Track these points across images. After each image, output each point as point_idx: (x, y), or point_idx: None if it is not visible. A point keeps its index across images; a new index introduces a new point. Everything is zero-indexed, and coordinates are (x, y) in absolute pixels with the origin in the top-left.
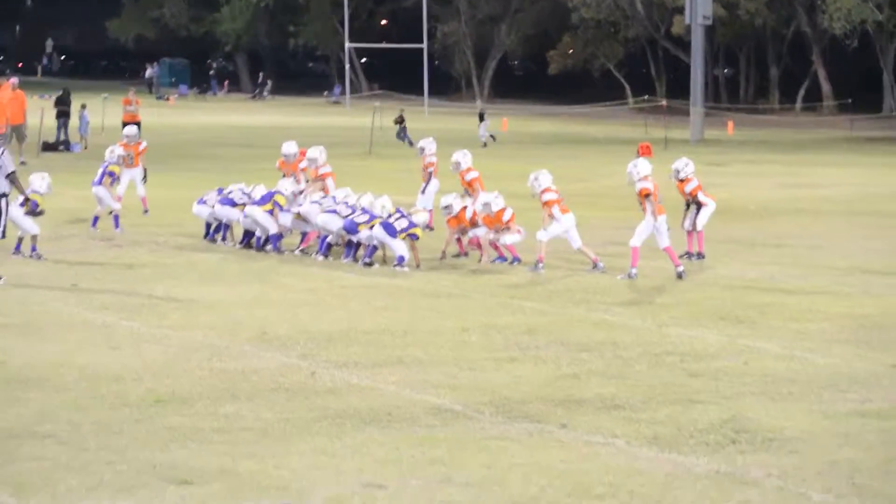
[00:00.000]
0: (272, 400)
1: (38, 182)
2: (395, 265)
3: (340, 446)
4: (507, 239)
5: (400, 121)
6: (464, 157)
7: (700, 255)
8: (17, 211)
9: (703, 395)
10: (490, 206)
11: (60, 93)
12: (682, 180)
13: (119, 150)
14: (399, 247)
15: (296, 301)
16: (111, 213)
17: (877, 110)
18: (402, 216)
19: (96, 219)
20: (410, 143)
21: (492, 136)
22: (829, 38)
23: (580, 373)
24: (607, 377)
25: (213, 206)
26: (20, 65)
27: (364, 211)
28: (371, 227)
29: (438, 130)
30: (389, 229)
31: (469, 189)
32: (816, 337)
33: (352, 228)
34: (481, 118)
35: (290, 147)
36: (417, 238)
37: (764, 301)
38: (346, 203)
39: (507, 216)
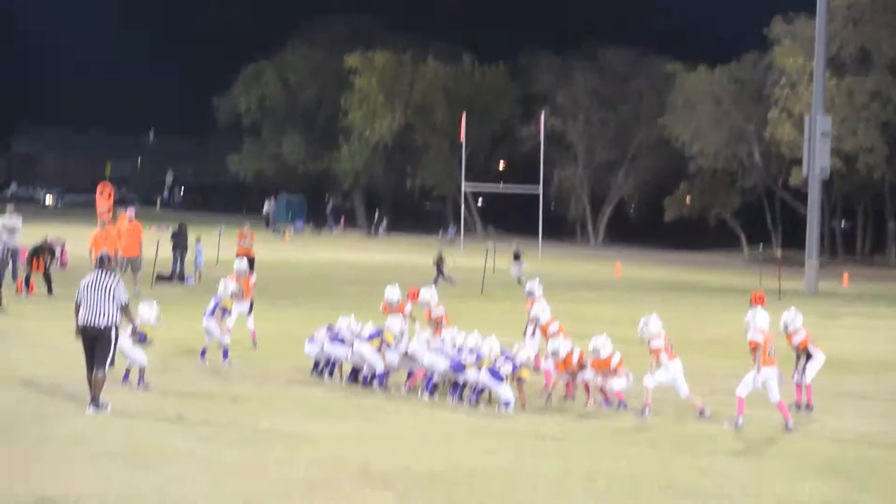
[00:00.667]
0: None
1: (146, 312)
2: (499, 408)
3: None
4: (615, 384)
5: (439, 261)
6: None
7: (808, 407)
8: (126, 341)
9: None
10: (599, 350)
11: (177, 226)
12: (790, 333)
13: (232, 285)
14: (505, 392)
15: (399, 439)
16: (221, 346)
17: None
18: (507, 359)
19: (205, 351)
20: (452, 282)
21: (518, 279)
22: None
23: None
24: None
25: (323, 345)
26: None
27: (471, 351)
28: (479, 368)
29: (550, 273)
30: (496, 375)
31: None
32: None
33: (459, 368)
34: (516, 257)
35: (392, 293)
36: (524, 381)
37: (873, 455)
38: (454, 343)
39: (615, 361)
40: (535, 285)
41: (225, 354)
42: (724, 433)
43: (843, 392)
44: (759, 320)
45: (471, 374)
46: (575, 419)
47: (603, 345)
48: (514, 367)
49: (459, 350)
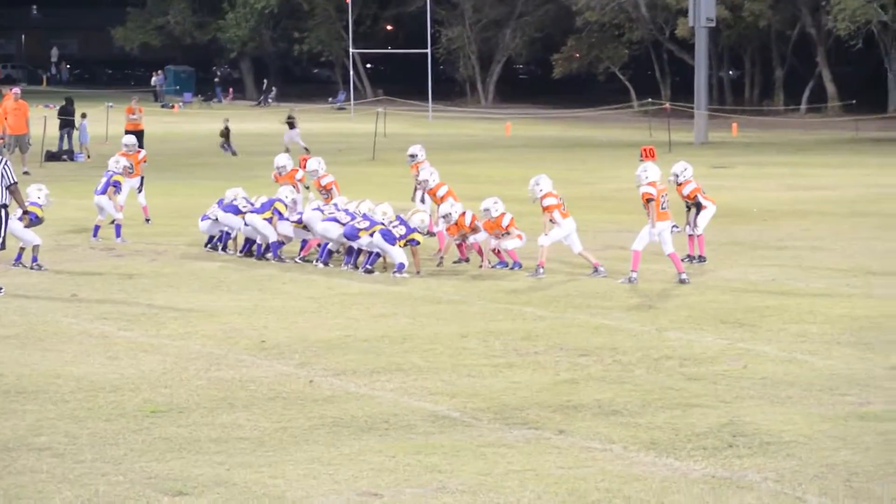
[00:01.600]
0: (269, 409)
1: (35, 194)
2: (394, 272)
3: (337, 455)
4: (508, 244)
5: (225, 133)
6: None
7: (701, 258)
8: (16, 223)
9: (702, 400)
10: (490, 212)
11: (63, 102)
12: (680, 184)
13: (123, 161)
14: (398, 254)
15: (295, 309)
16: (113, 222)
17: (882, 111)
18: (401, 223)
19: (97, 228)
20: (234, 153)
21: (287, 148)
22: (834, 39)
23: (578, 378)
24: (606, 382)
25: (217, 216)
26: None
27: (364, 217)
28: (371, 234)
29: (440, 135)
30: (388, 236)
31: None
32: (816, 339)
33: (352, 235)
34: (291, 125)
35: (280, 160)
36: (418, 244)
37: (765, 304)
38: (347, 210)
39: (506, 221)
40: (417, 149)
41: (118, 231)
42: (619, 289)
43: (735, 241)
44: (650, 174)
45: (364, 241)
46: (469, 281)
47: (494, 205)
48: (408, 231)
49: (352, 216)
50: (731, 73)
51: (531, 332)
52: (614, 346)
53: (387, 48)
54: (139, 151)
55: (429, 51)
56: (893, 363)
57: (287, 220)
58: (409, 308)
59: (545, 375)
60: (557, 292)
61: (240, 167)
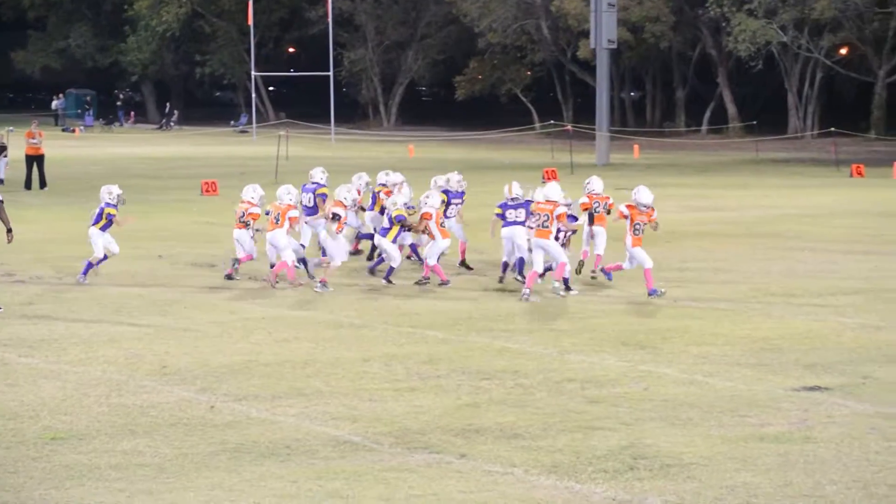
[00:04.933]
0: (170, 435)
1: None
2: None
3: (238, 481)
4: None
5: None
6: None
7: (606, 273)
8: None
9: (603, 422)
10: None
11: None
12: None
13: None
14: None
15: (197, 334)
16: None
17: (782, 132)
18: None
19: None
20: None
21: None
22: (735, 60)
23: (480, 402)
24: (507, 405)
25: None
26: None
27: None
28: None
29: (343, 158)
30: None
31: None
32: (717, 361)
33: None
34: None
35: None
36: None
37: (666, 326)
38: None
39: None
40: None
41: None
42: (521, 311)
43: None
44: (550, 193)
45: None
46: (372, 305)
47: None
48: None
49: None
50: (632, 94)
51: (433, 356)
52: (516, 370)
53: (289, 71)
54: None
55: (331, 73)
56: (793, 384)
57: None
58: (312, 332)
59: (447, 399)
60: (460, 315)
61: (142, 191)
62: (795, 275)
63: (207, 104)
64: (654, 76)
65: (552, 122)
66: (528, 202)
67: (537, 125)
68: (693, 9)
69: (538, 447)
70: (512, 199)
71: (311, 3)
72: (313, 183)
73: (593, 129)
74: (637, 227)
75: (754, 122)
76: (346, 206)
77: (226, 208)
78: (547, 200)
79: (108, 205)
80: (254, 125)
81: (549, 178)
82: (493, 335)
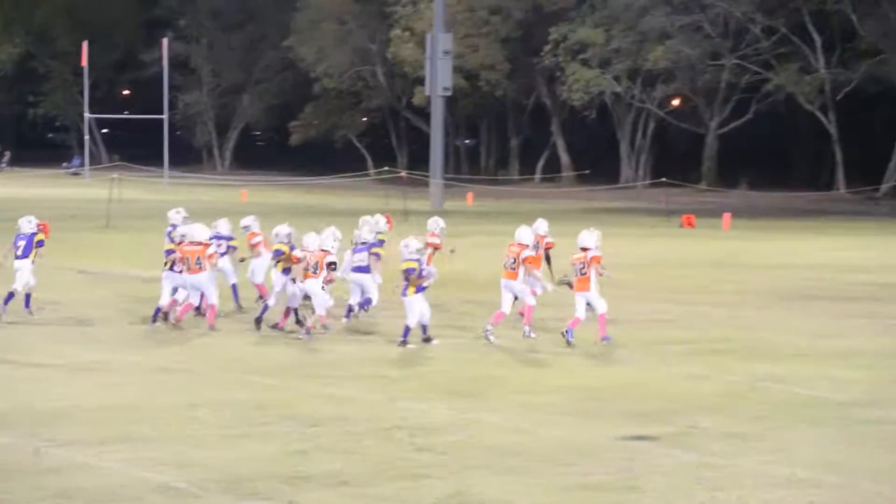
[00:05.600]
0: None
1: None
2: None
3: None
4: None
5: None
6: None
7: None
8: None
9: (430, 470)
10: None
11: None
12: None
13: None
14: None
15: (20, 377)
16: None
17: (614, 181)
18: None
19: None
20: None
21: None
22: (569, 109)
23: (309, 448)
24: (336, 453)
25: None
26: None
27: None
28: None
29: (176, 202)
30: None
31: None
32: (544, 409)
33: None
34: None
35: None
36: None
37: (493, 373)
38: None
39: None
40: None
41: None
42: (351, 358)
43: (468, 311)
44: (520, 237)
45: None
46: (201, 350)
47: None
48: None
49: None
50: (467, 141)
51: (263, 402)
52: (345, 416)
53: (123, 113)
54: None
55: (166, 116)
56: (618, 433)
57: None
58: (140, 377)
59: (275, 446)
60: (290, 361)
61: None
62: (623, 324)
63: (40, 145)
64: (488, 124)
65: (387, 168)
66: (374, 244)
67: (372, 171)
68: (528, 57)
69: (366, 495)
70: (362, 243)
71: (146, 45)
72: (171, 224)
73: (427, 176)
74: (576, 268)
75: (587, 171)
76: (332, 253)
77: (54, 250)
78: (518, 244)
79: None
80: (87, 167)
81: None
82: (322, 381)
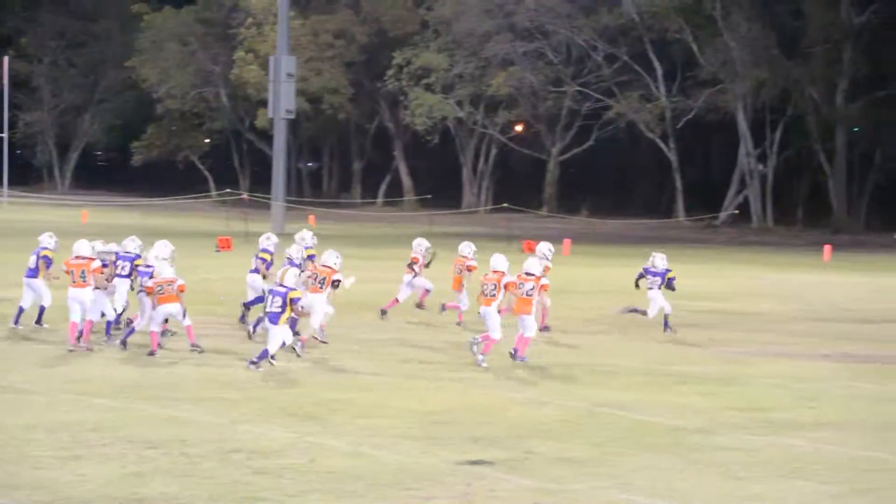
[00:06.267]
0: None
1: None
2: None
3: None
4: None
5: None
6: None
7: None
8: None
9: (267, 493)
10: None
11: None
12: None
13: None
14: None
15: None
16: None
17: (457, 206)
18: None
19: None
20: None
21: None
22: (412, 134)
23: (145, 471)
24: (173, 475)
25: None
26: None
27: None
28: None
29: (17, 221)
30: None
31: None
32: (384, 433)
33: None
34: None
35: None
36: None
37: (335, 397)
38: None
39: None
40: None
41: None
42: (190, 380)
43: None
44: (495, 264)
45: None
46: (38, 370)
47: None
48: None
49: None
50: (310, 164)
51: (99, 424)
52: (183, 438)
53: None
54: None
55: (6, 135)
56: (458, 458)
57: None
58: None
59: (112, 468)
60: (128, 382)
61: None
62: (463, 348)
63: None
64: (331, 147)
65: (229, 189)
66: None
67: (214, 193)
68: (372, 81)
69: None
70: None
71: None
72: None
73: (269, 198)
74: (486, 288)
75: (429, 196)
76: (337, 271)
77: None
78: (494, 271)
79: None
80: None
81: (222, 247)
82: (161, 403)
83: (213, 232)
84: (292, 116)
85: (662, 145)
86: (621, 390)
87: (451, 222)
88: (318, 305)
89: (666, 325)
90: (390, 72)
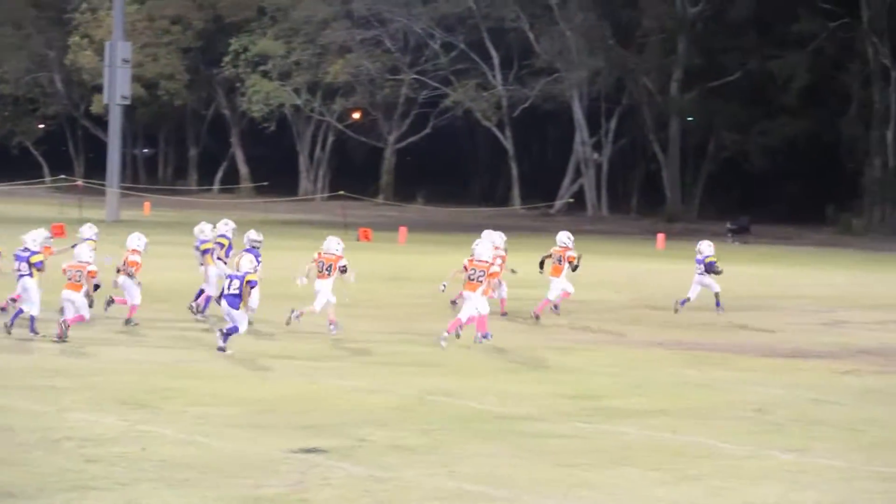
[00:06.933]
0: None
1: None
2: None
3: None
4: None
5: None
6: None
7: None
8: None
9: (99, 482)
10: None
11: None
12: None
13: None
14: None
15: None
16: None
17: (293, 194)
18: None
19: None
20: None
21: None
22: (248, 121)
23: None
24: (2, 465)
25: None
26: None
27: None
28: None
29: None
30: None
31: None
32: (216, 422)
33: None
34: None
35: None
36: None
37: (166, 385)
38: None
39: None
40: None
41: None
42: (15, 368)
43: (144, 321)
44: (480, 253)
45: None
46: None
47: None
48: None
49: None
50: (145, 151)
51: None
52: (11, 427)
53: None
54: None
55: None
56: (290, 446)
57: None
58: None
59: None
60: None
61: None
62: (292, 337)
63: None
64: (167, 133)
65: (63, 176)
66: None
67: (48, 179)
68: (209, 68)
69: None
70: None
71: None
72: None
73: (104, 185)
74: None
75: (266, 183)
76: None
77: None
78: (480, 260)
79: None
80: None
81: (56, 234)
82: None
83: (47, 219)
84: (128, 102)
85: (499, 134)
86: (451, 377)
87: (287, 210)
88: (325, 292)
89: (717, 303)
90: (227, 58)
